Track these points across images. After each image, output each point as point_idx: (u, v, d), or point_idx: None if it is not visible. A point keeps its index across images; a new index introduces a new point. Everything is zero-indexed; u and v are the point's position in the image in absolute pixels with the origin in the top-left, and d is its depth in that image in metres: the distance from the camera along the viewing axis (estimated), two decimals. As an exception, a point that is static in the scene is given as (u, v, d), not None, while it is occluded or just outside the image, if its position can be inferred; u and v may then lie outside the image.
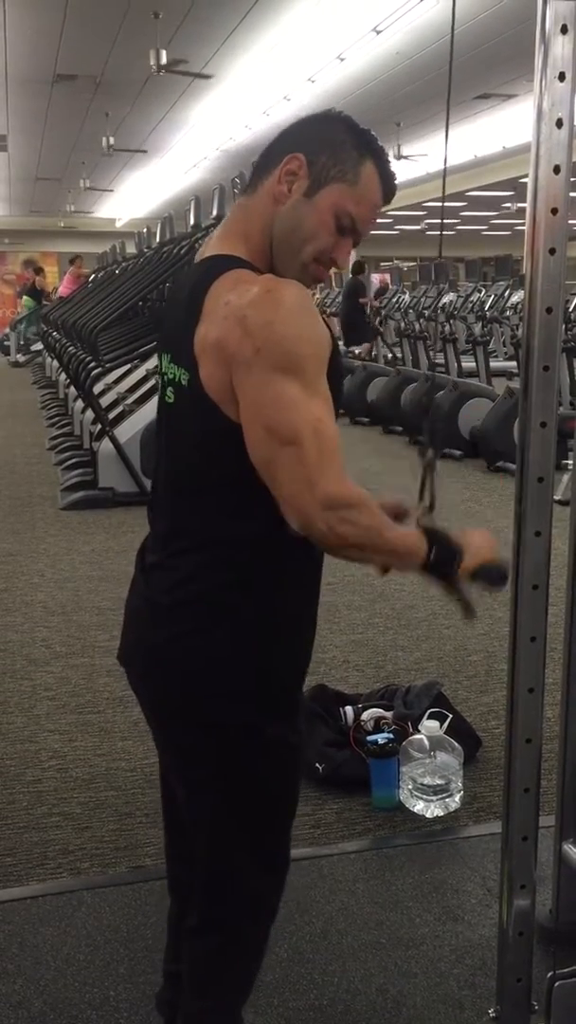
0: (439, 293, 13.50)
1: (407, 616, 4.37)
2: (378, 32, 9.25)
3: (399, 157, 14.10)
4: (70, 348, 8.40)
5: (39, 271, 20.63)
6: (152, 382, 7.39)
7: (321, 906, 2.39)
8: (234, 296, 1.34)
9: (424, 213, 21.88)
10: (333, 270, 1.55)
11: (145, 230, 10.32)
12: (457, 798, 2.79)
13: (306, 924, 2.31)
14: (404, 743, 2.84)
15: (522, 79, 11.05)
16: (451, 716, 2.94)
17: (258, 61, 10.46)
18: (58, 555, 5.46)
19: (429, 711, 2.98)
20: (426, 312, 12.93)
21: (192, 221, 7.76)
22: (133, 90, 11.89)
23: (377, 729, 2.98)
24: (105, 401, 7.55)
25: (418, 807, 2.78)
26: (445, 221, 24.09)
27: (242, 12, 8.90)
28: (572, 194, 1.53)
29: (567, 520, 2.13)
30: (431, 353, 11.86)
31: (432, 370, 10.96)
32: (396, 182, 1.49)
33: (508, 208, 21.66)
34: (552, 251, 1.52)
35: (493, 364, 11.77)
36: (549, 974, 1.81)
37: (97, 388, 7.46)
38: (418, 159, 14.18)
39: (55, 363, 11.45)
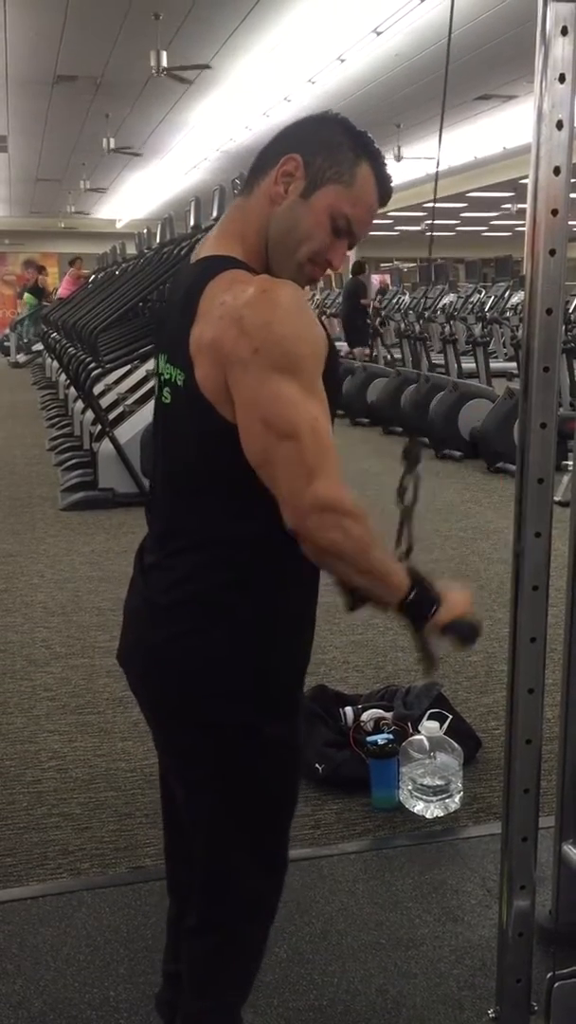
0: (439, 294, 13.51)
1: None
2: (378, 33, 9.25)
3: (399, 158, 14.10)
4: (70, 349, 8.41)
5: (41, 269, 20.63)
6: (152, 383, 7.39)
7: (321, 906, 2.39)
8: (230, 296, 1.34)
9: (424, 214, 21.89)
10: (332, 271, 1.55)
11: (145, 231, 10.32)
12: (457, 799, 2.79)
13: (306, 924, 2.32)
14: (404, 744, 2.84)
15: (522, 80, 11.05)
16: (451, 717, 2.94)
17: (258, 62, 10.47)
18: (58, 556, 5.47)
19: (429, 712, 2.98)
20: (426, 313, 12.94)
21: (192, 222, 7.76)
22: (133, 91, 11.89)
23: (377, 730, 2.99)
24: (105, 402, 7.55)
25: (418, 808, 2.78)
26: (446, 222, 24.13)
27: (242, 13, 8.91)
28: (572, 195, 1.53)
29: (567, 521, 2.13)
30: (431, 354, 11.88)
31: (431, 371, 10.98)
32: (393, 184, 1.49)
33: (508, 209, 21.66)
34: (552, 252, 1.52)
35: (493, 365, 11.78)
36: (549, 975, 1.82)
37: (97, 389, 7.46)
38: (418, 160, 14.18)
39: (55, 364, 11.45)
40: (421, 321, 12.64)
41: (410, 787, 2.79)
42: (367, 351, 13.65)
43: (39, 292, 18.66)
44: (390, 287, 17.79)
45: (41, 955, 2.22)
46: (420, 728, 2.86)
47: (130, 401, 7.66)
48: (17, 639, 4.19)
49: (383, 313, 14.18)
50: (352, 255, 15.97)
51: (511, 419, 7.20)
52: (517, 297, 12.87)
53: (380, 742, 2.85)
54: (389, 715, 3.07)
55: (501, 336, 14.08)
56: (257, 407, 1.32)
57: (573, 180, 1.52)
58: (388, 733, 2.93)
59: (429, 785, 2.77)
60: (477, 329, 12.39)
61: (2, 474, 7.78)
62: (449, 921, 2.33)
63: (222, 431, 1.35)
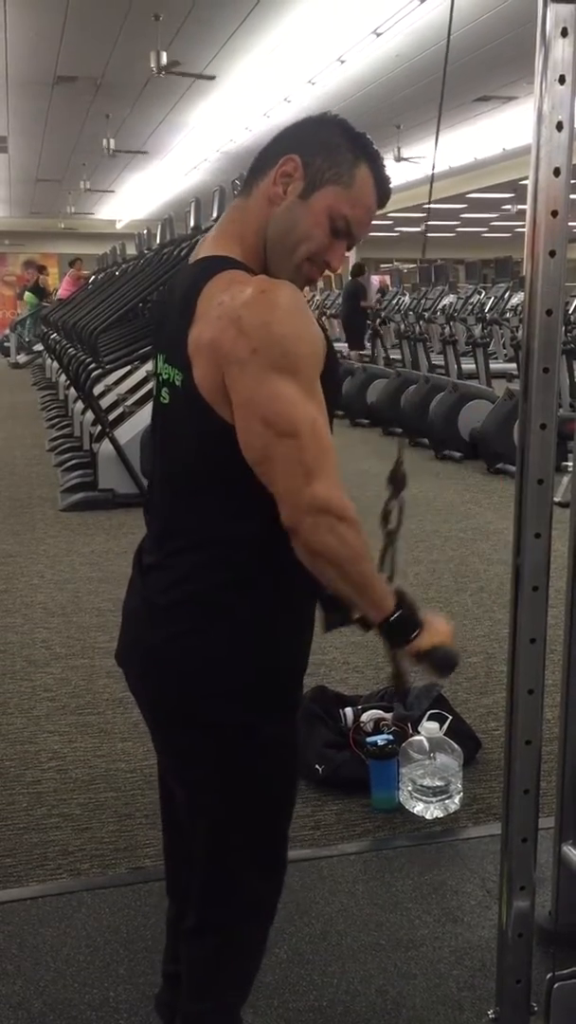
0: (439, 295, 13.51)
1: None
2: (378, 34, 9.26)
3: (399, 159, 14.11)
4: (70, 349, 8.41)
5: (42, 269, 20.63)
6: (152, 384, 7.38)
7: (321, 907, 2.39)
8: (227, 297, 1.34)
9: (424, 215, 21.87)
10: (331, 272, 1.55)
11: (145, 232, 10.32)
12: (457, 799, 2.79)
13: (306, 925, 2.32)
14: (404, 745, 2.84)
15: (522, 81, 11.06)
16: (451, 718, 2.94)
17: (258, 63, 10.47)
18: (58, 556, 5.47)
19: (429, 713, 2.98)
20: (426, 314, 12.94)
21: (192, 223, 7.76)
22: (133, 92, 11.90)
23: (377, 730, 2.99)
24: (105, 402, 7.55)
25: (418, 808, 2.78)
26: (445, 223, 24.13)
27: (242, 14, 8.91)
28: (572, 196, 1.54)
29: (567, 522, 2.13)
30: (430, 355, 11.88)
31: (431, 372, 10.98)
32: (392, 185, 1.49)
33: (508, 210, 21.66)
34: (552, 253, 1.52)
35: (493, 366, 11.79)
36: (548, 975, 1.81)
37: (97, 389, 7.46)
38: (418, 161, 14.18)
39: (55, 364, 11.45)
40: (421, 322, 12.65)
41: (410, 788, 2.79)
42: (365, 354, 13.66)
43: (40, 292, 18.66)
44: (390, 288, 17.79)
45: (41, 956, 2.22)
46: (420, 729, 2.86)
47: (130, 402, 7.66)
48: (17, 640, 4.19)
49: (383, 314, 14.18)
50: (352, 256, 16.00)
51: (511, 420, 7.20)
52: (517, 298, 12.88)
53: (380, 743, 2.85)
54: (389, 716, 3.07)
55: (501, 337, 14.09)
56: (256, 406, 1.32)
57: (573, 181, 1.52)
58: (388, 734, 2.93)
59: (429, 786, 2.77)
60: (477, 330, 12.40)
61: (2, 475, 7.78)
62: (449, 922, 2.33)
63: (220, 431, 1.35)
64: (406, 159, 14.14)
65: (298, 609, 1.51)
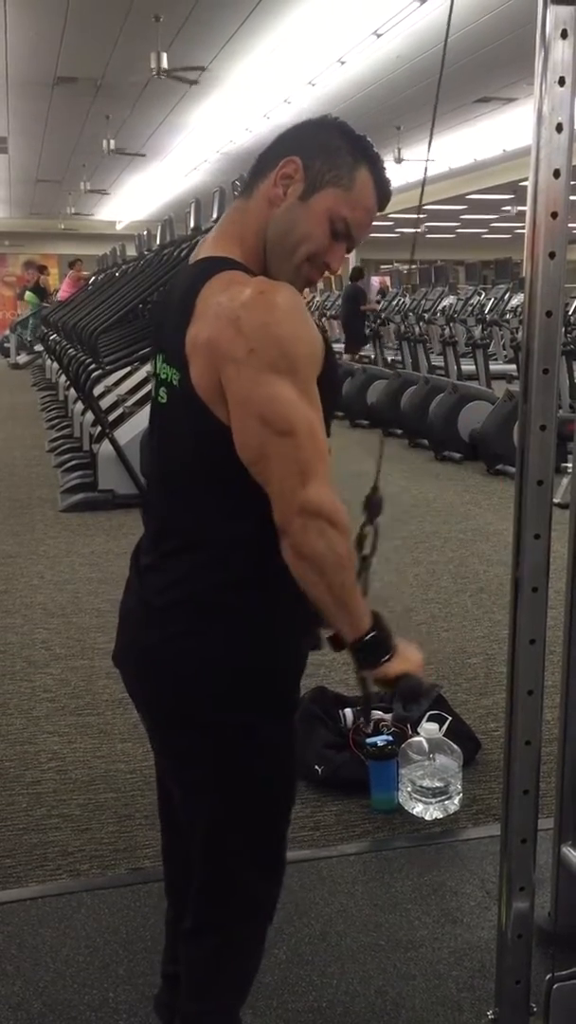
0: (439, 296, 13.52)
1: (406, 619, 4.37)
2: (378, 36, 9.26)
3: (399, 161, 14.11)
4: (70, 350, 8.41)
5: (43, 269, 20.64)
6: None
7: (320, 908, 2.39)
8: (226, 297, 1.35)
9: (425, 216, 21.89)
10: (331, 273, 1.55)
11: (145, 233, 10.33)
12: (456, 800, 2.79)
13: (305, 926, 2.32)
14: (403, 745, 2.84)
15: (522, 83, 11.06)
16: (450, 718, 2.94)
17: (258, 64, 10.47)
18: (58, 557, 5.47)
19: (428, 713, 2.97)
20: (426, 315, 12.95)
21: (192, 224, 7.77)
22: (134, 93, 11.90)
23: (376, 731, 2.98)
24: (105, 403, 7.55)
25: (417, 809, 2.78)
26: (445, 224, 24.13)
27: (243, 15, 8.91)
28: (572, 198, 1.54)
29: (566, 523, 2.13)
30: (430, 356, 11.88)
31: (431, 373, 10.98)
32: (392, 187, 1.50)
33: (508, 211, 21.67)
34: (552, 255, 1.52)
35: (493, 367, 11.78)
36: (548, 976, 1.82)
37: (97, 390, 7.46)
38: (418, 162, 14.19)
39: (55, 365, 11.45)
40: (421, 323, 12.65)
41: (409, 789, 2.79)
42: (365, 355, 13.67)
43: (41, 292, 18.66)
44: (390, 289, 17.80)
45: (40, 956, 2.22)
46: (419, 730, 2.85)
47: (130, 403, 7.66)
48: (17, 640, 4.19)
49: (383, 315, 14.19)
50: (352, 258, 16.00)
51: (511, 421, 7.21)
52: (517, 299, 12.87)
53: (379, 744, 2.85)
54: (388, 717, 3.07)
55: (501, 338, 14.09)
56: (253, 405, 1.32)
57: (573, 183, 1.53)
58: (387, 735, 2.93)
59: (428, 787, 2.77)
60: (477, 331, 12.40)
61: (2, 475, 7.78)
62: (448, 923, 2.33)
63: (216, 431, 1.36)
64: (406, 160, 14.14)
65: (295, 609, 1.50)
